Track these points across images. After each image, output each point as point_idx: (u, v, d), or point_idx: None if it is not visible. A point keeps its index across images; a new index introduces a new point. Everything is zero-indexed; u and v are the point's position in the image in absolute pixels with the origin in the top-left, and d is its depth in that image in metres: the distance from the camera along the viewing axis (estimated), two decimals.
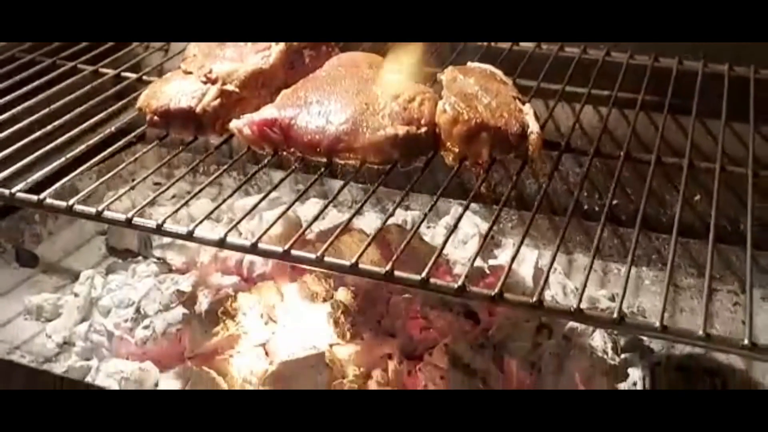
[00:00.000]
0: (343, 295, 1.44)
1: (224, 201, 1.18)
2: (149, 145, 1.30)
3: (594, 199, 1.75)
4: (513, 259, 1.04)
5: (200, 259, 1.59)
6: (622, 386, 1.37)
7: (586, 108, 1.50)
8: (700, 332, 0.92)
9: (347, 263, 1.02)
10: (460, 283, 0.97)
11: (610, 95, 1.41)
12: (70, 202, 1.13)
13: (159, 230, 1.10)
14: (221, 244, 1.08)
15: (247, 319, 1.41)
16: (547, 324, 1.44)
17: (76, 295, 1.52)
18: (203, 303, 1.43)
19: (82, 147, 1.28)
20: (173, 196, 1.88)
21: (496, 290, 0.97)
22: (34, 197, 1.14)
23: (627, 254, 1.71)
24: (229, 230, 1.09)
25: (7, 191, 1.16)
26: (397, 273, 1.02)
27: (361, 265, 1.02)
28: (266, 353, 1.40)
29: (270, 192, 1.21)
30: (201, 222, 1.10)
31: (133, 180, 1.84)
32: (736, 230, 1.65)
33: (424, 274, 0.99)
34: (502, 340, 1.40)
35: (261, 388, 1.29)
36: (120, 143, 1.30)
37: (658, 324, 0.93)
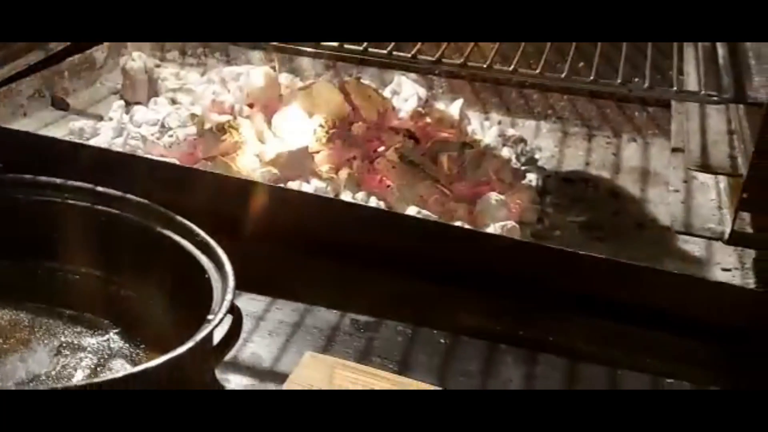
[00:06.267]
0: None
1: None
2: None
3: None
4: None
5: (203, 101, 2.04)
6: (524, 182, 1.89)
7: None
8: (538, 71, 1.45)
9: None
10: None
11: None
12: None
13: None
14: None
15: (246, 132, 1.88)
16: (469, 142, 1.95)
17: (110, 118, 1.96)
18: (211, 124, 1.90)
19: None
20: None
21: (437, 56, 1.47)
22: None
23: (530, 111, 2.25)
24: None
25: None
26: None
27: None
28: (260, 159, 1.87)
29: None
30: None
31: None
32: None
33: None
34: (436, 150, 1.91)
35: (263, 168, 1.76)
36: None
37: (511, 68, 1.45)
